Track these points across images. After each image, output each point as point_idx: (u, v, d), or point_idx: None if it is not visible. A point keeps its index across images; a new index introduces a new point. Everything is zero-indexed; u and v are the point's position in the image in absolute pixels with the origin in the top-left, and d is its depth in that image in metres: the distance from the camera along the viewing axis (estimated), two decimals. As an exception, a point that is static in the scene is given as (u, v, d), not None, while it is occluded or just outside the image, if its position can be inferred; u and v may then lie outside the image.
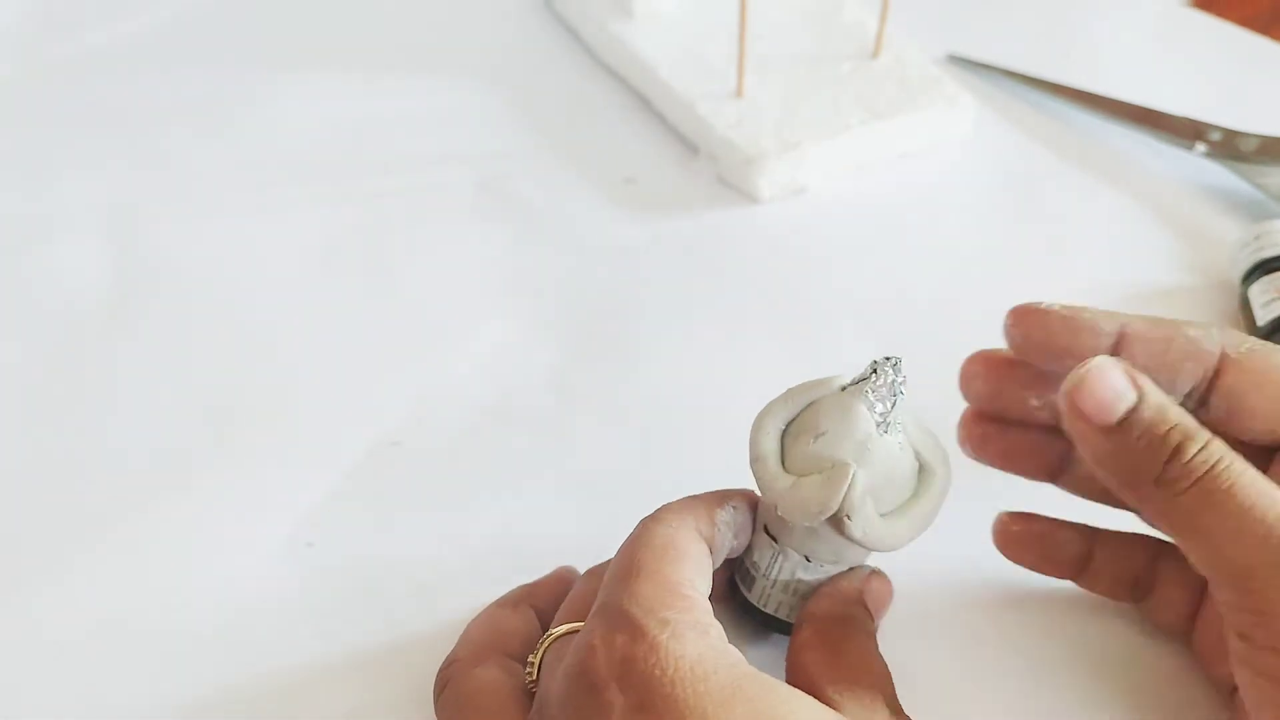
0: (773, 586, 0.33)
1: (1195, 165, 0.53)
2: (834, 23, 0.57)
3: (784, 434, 0.33)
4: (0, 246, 0.50)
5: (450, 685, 0.32)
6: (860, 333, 0.46)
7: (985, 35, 0.60)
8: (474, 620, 0.35)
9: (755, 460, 0.32)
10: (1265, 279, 0.44)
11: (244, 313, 0.47)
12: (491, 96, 0.57)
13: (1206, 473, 0.28)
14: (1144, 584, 0.35)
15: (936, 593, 0.37)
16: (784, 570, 0.33)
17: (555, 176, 0.53)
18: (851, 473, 0.30)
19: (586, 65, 0.59)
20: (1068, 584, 0.36)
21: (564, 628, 0.32)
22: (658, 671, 0.27)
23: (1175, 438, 0.29)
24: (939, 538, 0.38)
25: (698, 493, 0.33)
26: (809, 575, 0.33)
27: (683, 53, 0.55)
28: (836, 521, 0.31)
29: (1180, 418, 0.29)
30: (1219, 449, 0.29)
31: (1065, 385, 0.30)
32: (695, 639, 0.28)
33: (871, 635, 0.32)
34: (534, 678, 0.31)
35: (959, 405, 0.35)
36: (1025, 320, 0.33)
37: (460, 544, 0.39)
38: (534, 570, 0.38)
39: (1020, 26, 0.62)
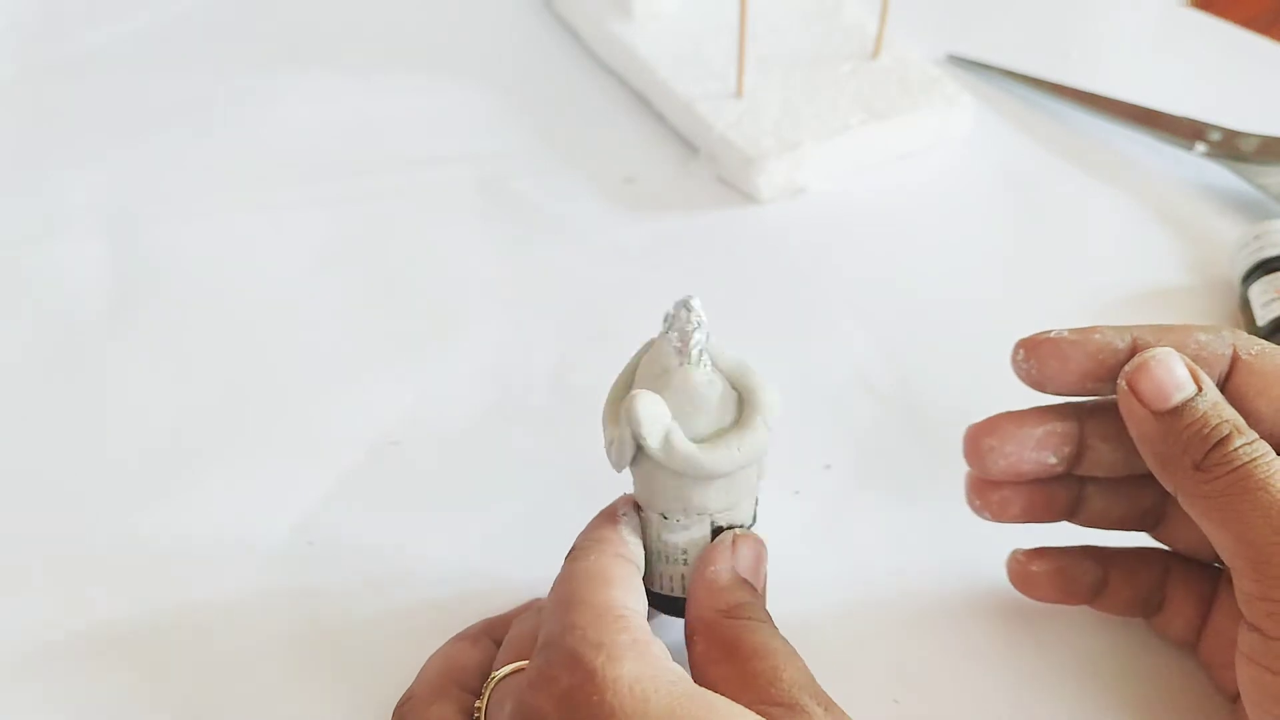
0: (657, 560, 0.33)
1: (1195, 165, 0.53)
2: (834, 23, 0.57)
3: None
4: (0, 246, 0.50)
5: None
6: (860, 332, 0.46)
7: (985, 35, 0.60)
8: (434, 654, 0.35)
9: (603, 427, 0.33)
10: (1265, 279, 0.44)
11: (244, 312, 0.47)
12: (491, 96, 0.57)
13: (1247, 463, 0.29)
14: (1155, 600, 0.35)
15: (940, 601, 0.37)
16: (653, 539, 0.33)
17: (555, 176, 0.53)
18: (631, 395, 0.31)
19: (586, 65, 0.59)
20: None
21: (508, 668, 0.32)
22: (596, 698, 0.27)
23: (1225, 430, 0.29)
24: (942, 545, 0.39)
25: (595, 517, 0.33)
26: (675, 536, 0.33)
27: (683, 53, 0.55)
28: (641, 449, 0.31)
29: (1233, 415, 0.30)
30: (1264, 446, 0.29)
31: (1127, 367, 0.31)
32: (633, 659, 0.27)
33: (765, 619, 0.31)
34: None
35: (959, 402, 0.35)
36: (1038, 351, 0.32)
37: (460, 543, 0.39)
38: (532, 570, 0.38)
39: (1020, 26, 0.62)
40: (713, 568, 0.32)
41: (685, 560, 0.33)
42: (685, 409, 0.32)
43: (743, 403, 0.32)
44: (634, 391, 0.31)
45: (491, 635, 0.35)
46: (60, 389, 0.44)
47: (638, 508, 0.34)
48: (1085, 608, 0.36)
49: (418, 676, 0.34)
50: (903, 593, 0.36)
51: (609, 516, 0.33)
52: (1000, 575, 0.36)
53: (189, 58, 0.60)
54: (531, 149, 0.55)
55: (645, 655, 0.28)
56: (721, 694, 0.29)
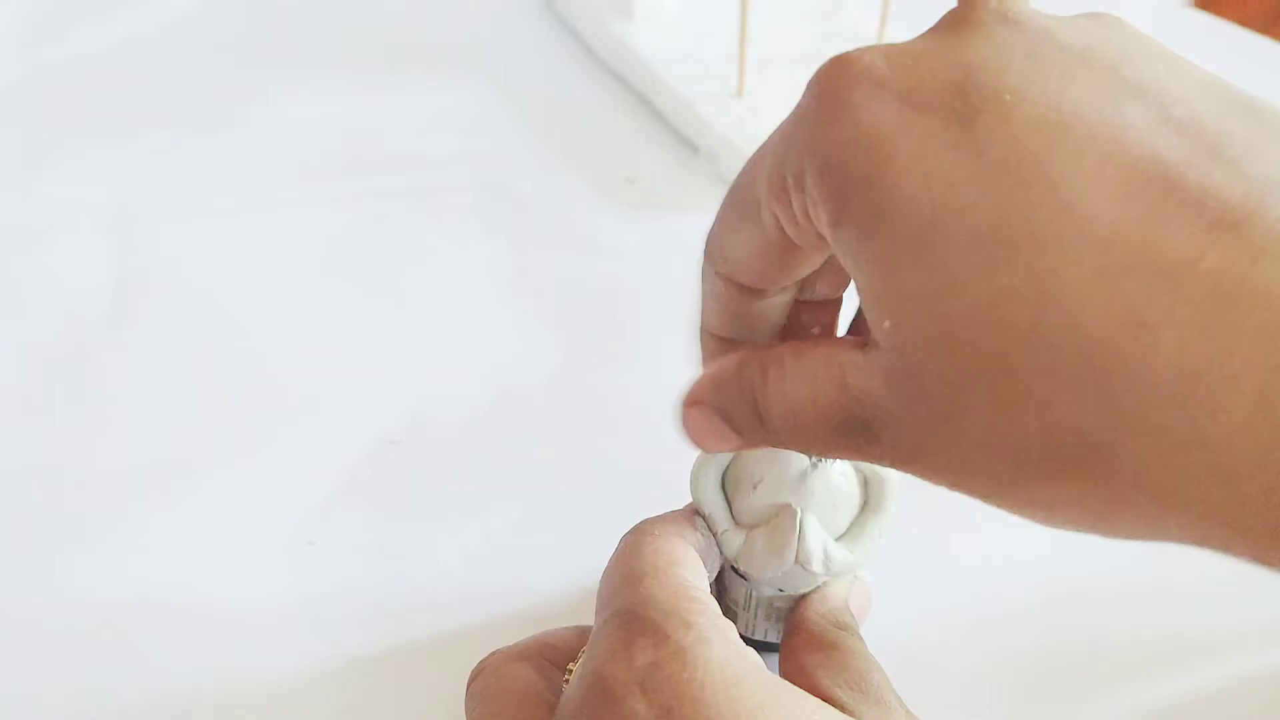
0: (755, 617, 0.33)
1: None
2: (834, 23, 0.57)
3: (724, 482, 0.32)
4: (0, 246, 0.50)
5: (483, 675, 0.32)
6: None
7: (986, 35, 0.60)
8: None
9: (706, 517, 0.32)
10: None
11: (244, 312, 0.47)
12: (491, 96, 0.57)
13: None
14: None
15: (940, 600, 0.37)
16: (761, 600, 0.33)
17: (555, 176, 0.53)
18: (798, 521, 0.30)
19: (586, 65, 0.59)
20: (1075, 593, 0.36)
21: None
22: (685, 676, 0.26)
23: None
24: (942, 542, 0.39)
25: (668, 512, 0.33)
26: (785, 598, 0.33)
27: (683, 53, 0.55)
28: (798, 564, 0.30)
29: None
30: None
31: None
32: (719, 642, 0.27)
33: (862, 640, 0.32)
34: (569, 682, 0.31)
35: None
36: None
37: (460, 542, 0.39)
38: (532, 569, 0.38)
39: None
40: (832, 590, 0.32)
41: (792, 609, 0.33)
42: (828, 510, 0.31)
43: (867, 481, 0.32)
44: (802, 517, 0.30)
45: None
46: (60, 389, 0.44)
47: (735, 570, 0.32)
48: (1088, 609, 0.36)
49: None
50: (903, 591, 0.36)
51: (689, 515, 0.32)
52: (1001, 574, 0.36)
53: (189, 58, 0.60)
54: (531, 149, 0.55)
55: (730, 639, 0.27)
56: (811, 677, 0.29)
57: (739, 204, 0.27)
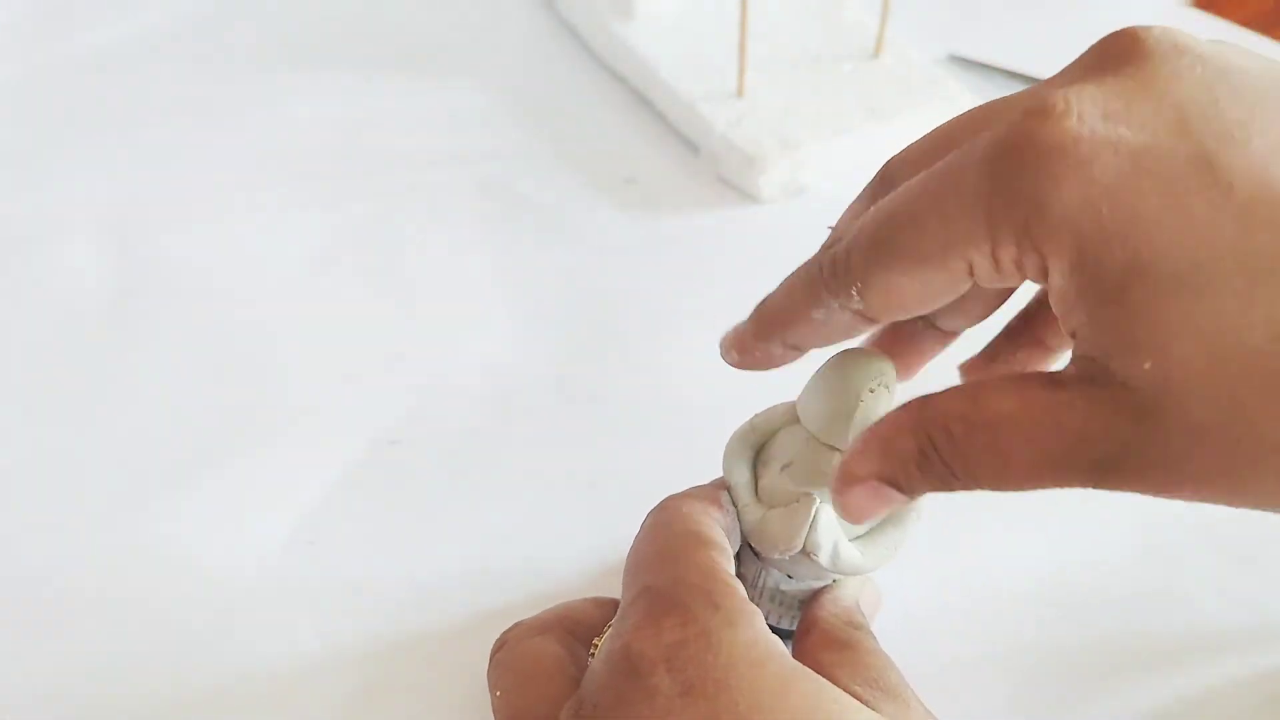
0: (760, 596, 0.33)
1: (1196, 165, 0.53)
2: (835, 22, 0.57)
3: (756, 459, 0.32)
4: (0, 246, 0.50)
5: (507, 647, 0.32)
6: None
7: (986, 35, 0.60)
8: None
9: (731, 488, 0.32)
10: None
11: (244, 312, 0.47)
12: (491, 96, 0.57)
13: None
14: None
15: (941, 601, 0.37)
16: (769, 583, 0.33)
17: (555, 176, 0.53)
18: (813, 510, 0.30)
19: (587, 65, 0.59)
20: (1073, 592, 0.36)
21: None
22: (710, 656, 0.26)
23: None
24: (943, 543, 0.39)
25: (694, 487, 0.33)
26: (793, 588, 0.33)
27: (683, 53, 0.55)
28: (805, 553, 0.31)
29: None
30: None
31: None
32: (745, 625, 0.27)
33: (875, 638, 0.32)
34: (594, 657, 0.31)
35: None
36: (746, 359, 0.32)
37: (460, 542, 0.39)
38: (532, 567, 0.38)
39: (1021, 26, 0.62)
40: (843, 592, 0.33)
41: (798, 600, 0.33)
42: None
43: None
44: (818, 507, 0.30)
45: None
46: (60, 389, 0.44)
47: (749, 546, 0.32)
48: (1086, 612, 0.36)
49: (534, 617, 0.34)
50: (904, 591, 0.36)
51: (714, 493, 0.32)
52: (1002, 574, 0.36)
53: (189, 58, 0.60)
54: (532, 149, 0.55)
55: (756, 624, 0.27)
56: (829, 675, 0.29)
57: (911, 251, 0.26)
